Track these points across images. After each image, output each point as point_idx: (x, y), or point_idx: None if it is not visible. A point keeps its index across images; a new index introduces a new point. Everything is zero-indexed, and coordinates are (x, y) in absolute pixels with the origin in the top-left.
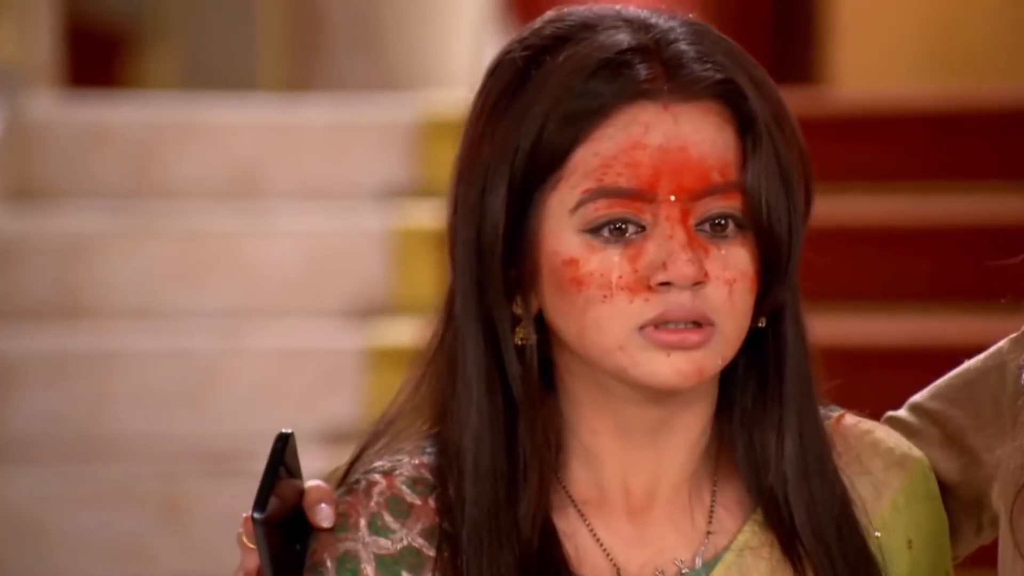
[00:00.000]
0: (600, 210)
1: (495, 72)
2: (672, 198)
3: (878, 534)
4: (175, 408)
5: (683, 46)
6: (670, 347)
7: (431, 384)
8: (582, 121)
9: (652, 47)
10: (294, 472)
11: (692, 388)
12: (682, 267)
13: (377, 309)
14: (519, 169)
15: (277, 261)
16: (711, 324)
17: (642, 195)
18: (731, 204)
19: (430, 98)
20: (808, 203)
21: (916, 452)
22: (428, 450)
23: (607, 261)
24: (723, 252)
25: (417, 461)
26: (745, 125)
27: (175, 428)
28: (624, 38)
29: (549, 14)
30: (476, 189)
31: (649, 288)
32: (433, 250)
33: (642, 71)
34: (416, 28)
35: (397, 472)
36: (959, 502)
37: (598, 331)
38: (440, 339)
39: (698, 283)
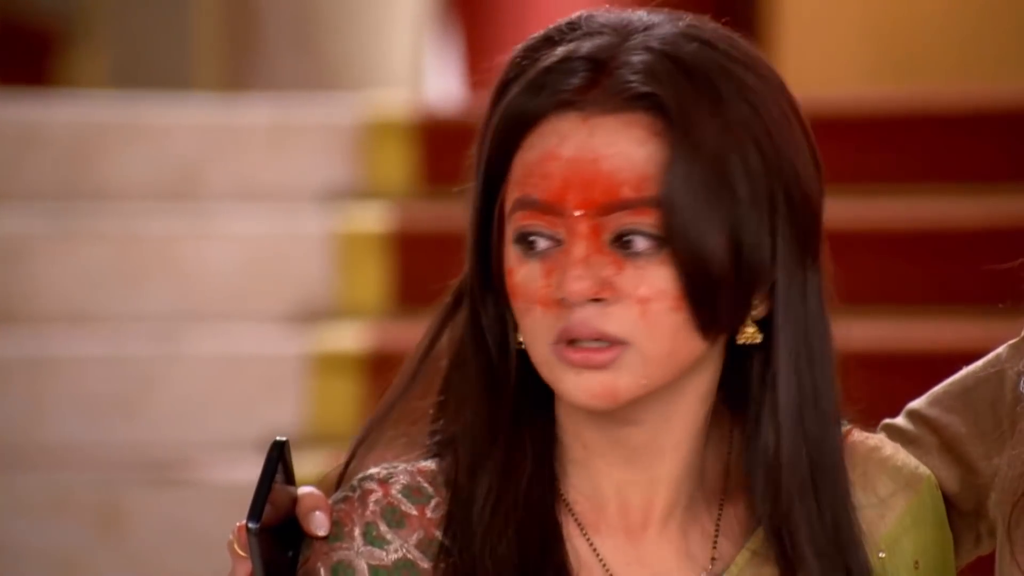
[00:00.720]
0: (519, 221)
1: (503, 69)
2: (578, 212)
3: (882, 555)
4: (113, 415)
5: (635, 56)
6: (576, 366)
7: (428, 382)
8: (516, 129)
9: (602, 56)
10: (288, 479)
11: (618, 408)
12: (570, 283)
13: (320, 314)
14: (481, 176)
15: (217, 264)
16: (622, 343)
17: (552, 207)
18: (643, 220)
19: (373, 99)
20: (797, 218)
21: (924, 470)
22: (426, 459)
23: (530, 273)
24: (639, 270)
25: (414, 468)
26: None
27: (113, 436)
28: (588, 45)
29: (576, 13)
30: (472, 188)
31: (558, 303)
32: (377, 253)
33: (574, 81)
34: (353, 27)
35: (393, 480)
36: (957, 511)
37: (530, 345)
38: (438, 333)
39: (599, 300)
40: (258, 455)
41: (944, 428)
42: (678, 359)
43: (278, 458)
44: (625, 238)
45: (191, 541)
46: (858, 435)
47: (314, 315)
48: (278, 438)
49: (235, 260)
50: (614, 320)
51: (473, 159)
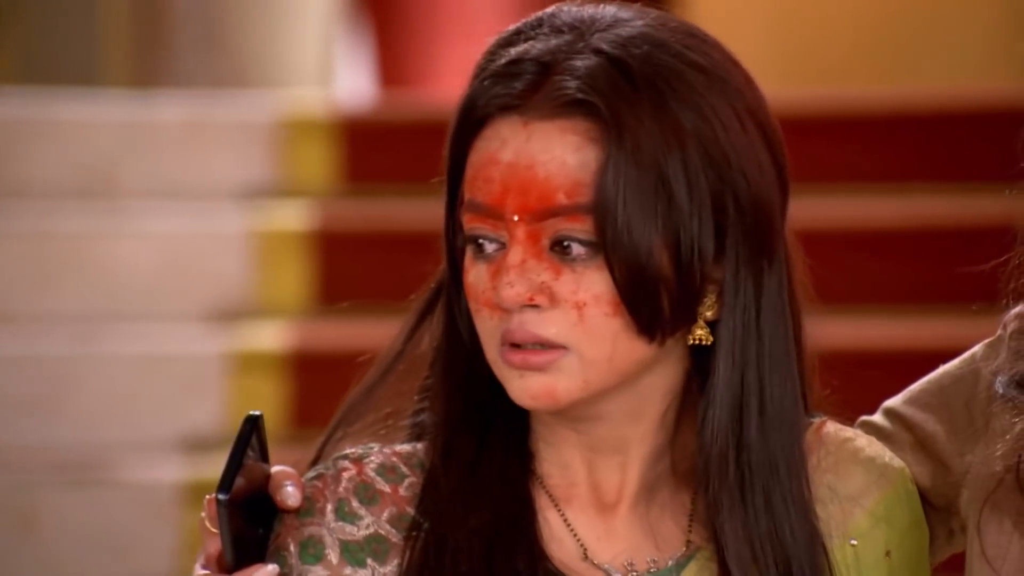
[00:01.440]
0: (468, 223)
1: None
2: (515, 217)
3: (854, 542)
4: (28, 416)
5: (579, 60)
6: (517, 367)
7: (405, 371)
8: (467, 130)
9: (548, 59)
10: (262, 455)
11: (568, 408)
12: (500, 290)
13: (240, 313)
14: (446, 172)
15: (134, 263)
16: (561, 347)
17: (493, 211)
18: (577, 226)
19: (291, 96)
20: (748, 221)
21: (897, 462)
22: (403, 443)
23: (479, 275)
24: (576, 275)
25: (390, 450)
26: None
27: (30, 437)
28: (541, 46)
29: (550, 8)
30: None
31: (500, 307)
32: (297, 252)
33: (520, 83)
34: (262, 25)
35: (368, 459)
36: (931, 507)
37: (482, 343)
38: (417, 321)
39: (533, 305)
40: (179, 455)
41: (918, 426)
42: (619, 362)
43: (250, 432)
44: (562, 243)
45: (110, 542)
46: (832, 427)
47: (234, 314)
48: (251, 412)
49: (153, 259)
50: (551, 325)
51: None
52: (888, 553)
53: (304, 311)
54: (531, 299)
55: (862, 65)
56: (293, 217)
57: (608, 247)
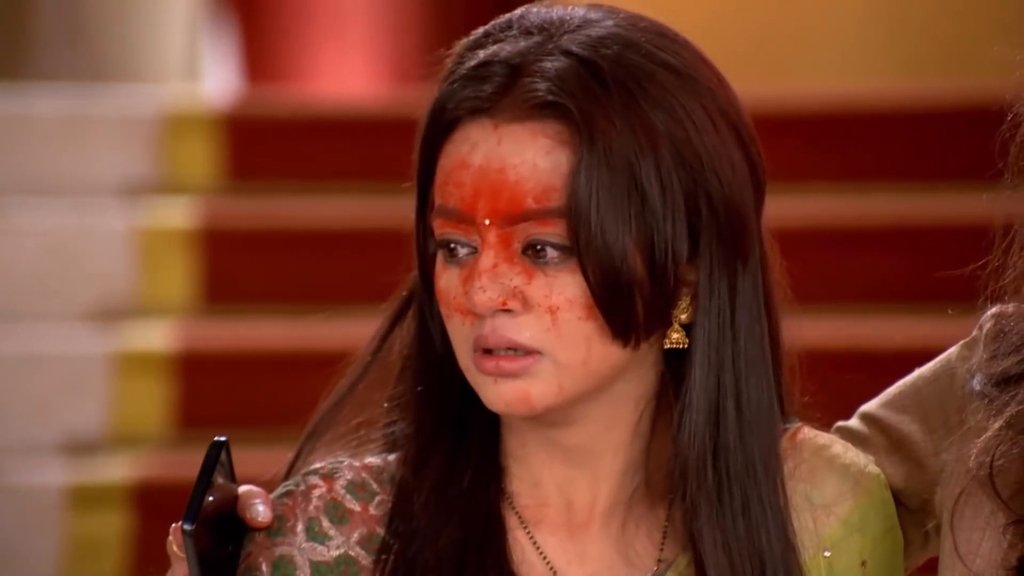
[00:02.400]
0: (439, 228)
1: (448, 64)
2: (486, 221)
3: (827, 553)
4: None
5: (549, 62)
6: (490, 374)
7: (378, 379)
8: (437, 133)
9: (518, 61)
10: (228, 477)
11: (543, 413)
12: (472, 295)
13: (123, 312)
14: (416, 176)
15: (12, 261)
16: (536, 352)
17: (464, 216)
18: (549, 230)
19: (171, 91)
20: (722, 222)
21: (873, 468)
22: (374, 456)
23: (450, 280)
24: (549, 279)
25: (360, 464)
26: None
27: None
28: (509, 48)
29: (519, 9)
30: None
31: (473, 312)
32: (182, 250)
33: (490, 86)
34: (128, 18)
35: (338, 475)
36: (905, 509)
37: (455, 349)
38: (388, 330)
39: (508, 311)
40: (61, 458)
41: (893, 427)
42: (594, 367)
43: (216, 458)
44: (535, 247)
45: None
46: (808, 432)
47: (117, 313)
48: (218, 438)
49: (30, 256)
50: (525, 330)
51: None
52: (863, 563)
53: (189, 310)
54: (504, 303)
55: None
56: (176, 214)
57: (581, 251)
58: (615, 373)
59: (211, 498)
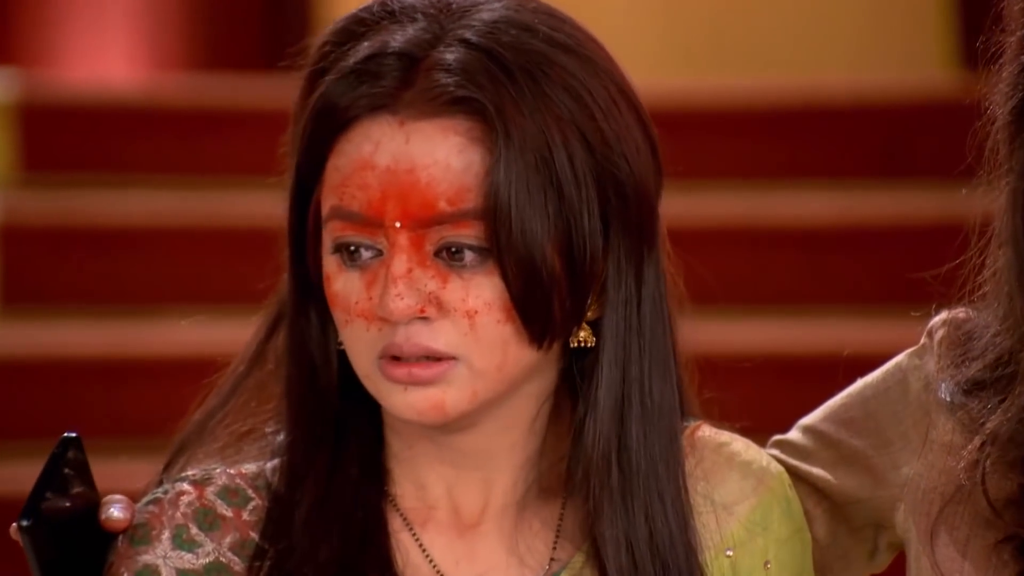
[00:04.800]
0: (337, 231)
1: (313, 53)
2: (397, 224)
3: (730, 553)
4: None
5: (450, 54)
6: (401, 382)
7: (255, 384)
8: (326, 131)
9: (416, 51)
10: (84, 480)
11: (448, 423)
12: (388, 303)
13: None
14: (294, 173)
15: None
16: (451, 358)
17: (371, 220)
18: (464, 233)
19: None
20: (631, 210)
21: (776, 467)
22: (248, 463)
23: (349, 284)
24: (465, 282)
25: (234, 471)
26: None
27: None
28: (399, 37)
29: None
30: (286, 185)
31: (380, 318)
32: None
33: (388, 80)
34: None
35: (209, 482)
36: (850, 525)
37: (351, 356)
38: (266, 336)
39: (423, 317)
40: None
41: (842, 442)
42: (508, 371)
43: (62, 454)
44: (450, 249)
45: None
46: (707, 430)
47: None
48: (67, 434)
49: None
50: (441, 336)
51: (287, 152)
52: (766, 563)
53: None
54: (422, 311)
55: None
56: None
57: (502, 252)
58: (526, 376)
59: (67, 503)
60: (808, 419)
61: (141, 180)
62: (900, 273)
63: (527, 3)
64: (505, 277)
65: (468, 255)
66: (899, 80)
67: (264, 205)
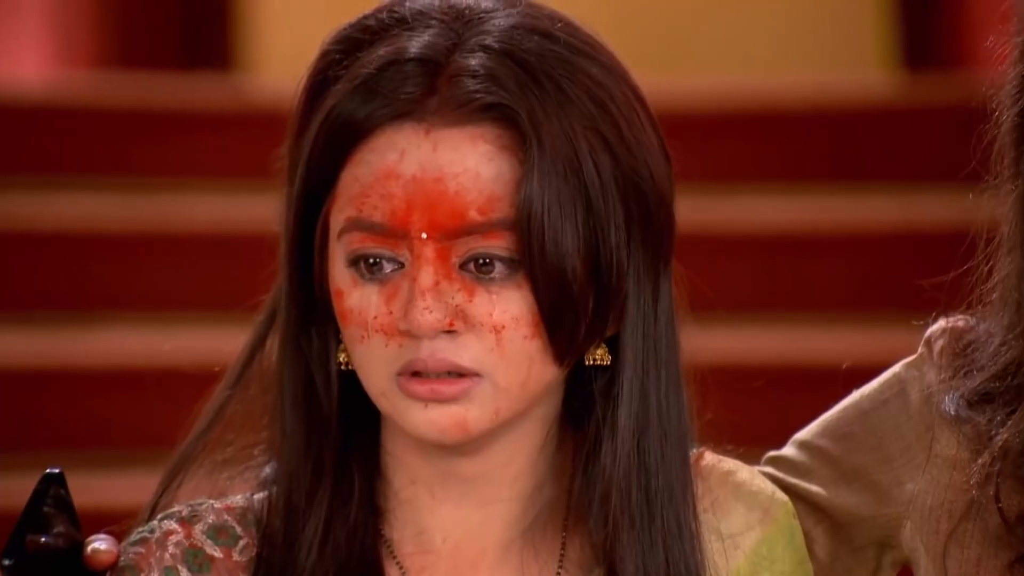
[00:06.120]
0: (355, 243)
1: (315, 61)
2: (423, 235)
3: None
4: None
5: (474, 59)
6: (423, 399)
7: (242, 402)
8: (343, 140)
9: (437, 57)
10: (68, 517)
11: (468, 442)
12: (416, 316)
13: None
14: (300, 184)
15: None
16: (475, 375)
17: (394, 231)
18: (494, 244)
19: None
20: (652, 221)
21: (781, 496)
22: (235, 497)
23: (365, 299)
24: (493, 295)
25: (222, 506)
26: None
27: None
28: (416, 43)
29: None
30: (286, 195)
31: (402, 332)
32: None
33: (410, 87)
34: None
35: (197, 519)
36: (851, 544)
37: (364, 374)
38: (252, 351)
39: (450, 331)
40: None
41: (842, 458)
42: (530, 388)
43: (44, 491)
44: (478, 261)
45: None
46: (711, 458)
47: None
48: (50, 469)
49: None
50: (466, 351)
51: (286, 161)
52: None
53: None
54: (451, 325)
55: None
56: None
57: (533, 264)
58: (545, 394)
59: (51, 541)
60: (803, 434)
61: (49, 182)
62: (856, 279)
63: (539, 9)
64: (535, 290)
65: (497, 267)
66: (852, 83)
67: (183, 207)
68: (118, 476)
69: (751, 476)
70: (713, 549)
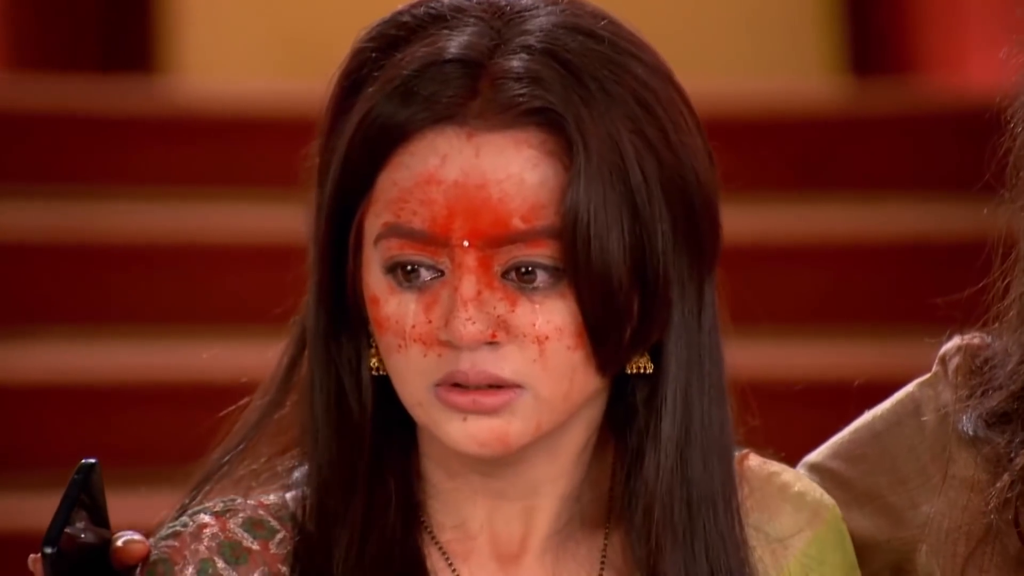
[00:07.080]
0: (393, 250)
1: (348, 59)
2: (465, 243)
3: None
4: None
5: (516, 60)
6: (463, 410)
7: (279, 414)
8: (381, 144)
9: (479, 58)
10: (99, 516)
11: (507, 455)
12: (458, 327)
13: None
14: (333, 187)
15: None
16: (517, 386)
17: (435, 238)
18: (538, 252)
19: None
20: (699, 228)
21: (828, 498)
22: (268, 495)
23: (403, 307)
24: (536, 305)
25: (255, 502)
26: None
27: None
28: (456, 43)
29: None
30: (315, 197)
31: (442, 342)
32: None
33: (451, 89)
34: None
35: (231, 513)
36: (866, 570)
37: (399, 383)
38: (291, 362)
39: (492, 342)
40: None
41: (856, 480)
42: (573, 400)
43: (83, 480)
44: (521, 270)
45: None
46: (755, 460)
47: None
48: (85, 460)
49: None
50: (509, 363)
51: (315, 161)
52: None
53: None
54: (493, 336)
55: None
56: None
57: (579, 273)
58: (586, 404)
59: (82, 535)
60: (814, 456)
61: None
62: (817, 291)
63: (581, 7)
64: (580, 300)
65: (540, 276)
66: (798, 89)
67: (103, 215)
68: (49, 496)
69: (796, 478)
70: (762, 552)
